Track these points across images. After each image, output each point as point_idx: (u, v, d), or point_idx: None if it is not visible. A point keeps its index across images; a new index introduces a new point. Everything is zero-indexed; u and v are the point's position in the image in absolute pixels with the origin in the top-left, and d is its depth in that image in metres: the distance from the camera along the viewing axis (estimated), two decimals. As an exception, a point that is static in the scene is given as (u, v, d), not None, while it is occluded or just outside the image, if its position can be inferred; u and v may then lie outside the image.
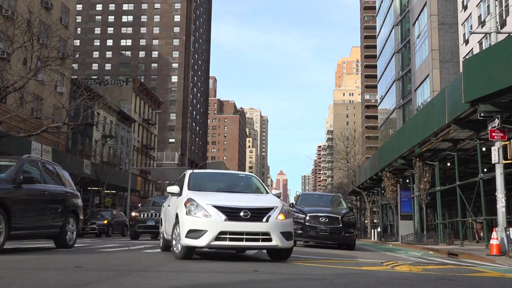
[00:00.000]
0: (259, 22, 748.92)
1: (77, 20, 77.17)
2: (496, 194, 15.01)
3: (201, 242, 7.58)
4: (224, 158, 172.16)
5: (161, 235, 10.49)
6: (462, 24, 38.53)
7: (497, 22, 18.52)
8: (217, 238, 7.57)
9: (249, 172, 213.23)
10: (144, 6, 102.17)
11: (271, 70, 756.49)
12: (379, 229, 36.90)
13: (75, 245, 11.38)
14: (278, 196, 9.26)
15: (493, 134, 14.90)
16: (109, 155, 54.43)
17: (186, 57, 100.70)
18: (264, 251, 9.53)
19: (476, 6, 34.73)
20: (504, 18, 29.96)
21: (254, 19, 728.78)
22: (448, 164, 23.77)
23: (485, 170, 18.78)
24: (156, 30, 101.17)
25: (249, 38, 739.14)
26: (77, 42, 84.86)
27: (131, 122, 63.58)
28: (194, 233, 7.62)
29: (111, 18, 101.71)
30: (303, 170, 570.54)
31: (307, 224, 15.37)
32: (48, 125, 28.42)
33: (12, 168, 9.09)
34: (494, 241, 13.76)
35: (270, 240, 7.86)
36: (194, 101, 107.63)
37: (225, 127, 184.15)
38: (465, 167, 23.62)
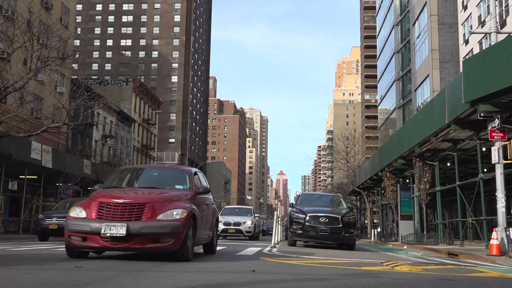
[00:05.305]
0: (290, 25, 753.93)
1: (77, 20, 77.16)
2: (496, 194, 15.00)
3: None
4: (224, 158, 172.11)
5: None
6: (462, 24, 38.53)
7: (497, 22, 18.52)
8: None
9: (249, 172, 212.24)
10: (144, 6, 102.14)
11: (279, 72, 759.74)
12: (379, 229, 36.88)
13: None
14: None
15: (493, 134, 14.89)
16: (109, 155, 54.39)
17: (186, 57, 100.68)
18: None
19: (476, 6, 34.73)
20: (504, 18, 29.96)
21: (284, 21, 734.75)
22: (448, 164, 23.75)
23: (485, 170, 18.76)
24: (156, 30, 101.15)
25: (274, 39, 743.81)
26: (77, 42, 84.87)
27: (131, 122, 63.56)
28: None
29: (111, 18, 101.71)
30: (303, 170, 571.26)
31: (307, 224, 15.36)
32: (48, 125, 28.38)
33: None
34: (494, 241, 13.74)
35: None
36: (194, 101, 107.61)
37: (225, 127, 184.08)
38: (465, 167, 23.60)
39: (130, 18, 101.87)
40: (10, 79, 23.89)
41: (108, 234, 7.19)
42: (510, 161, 15.20)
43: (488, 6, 31.89)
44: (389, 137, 43.63)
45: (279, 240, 18.04)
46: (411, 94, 48.89)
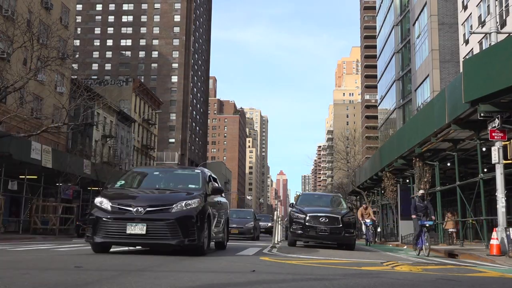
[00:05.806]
0: (290, 25, 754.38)
1: (77, 20, 77.16)
2: (496, 194, 15.00)
3: None
4: (224, 158, 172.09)
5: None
6: (462, 24, 38.53)
7: (497, 22, 18.52)
8: None
9: (249, 172, 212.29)
10: (144, 6, 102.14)
11: (279, 72, 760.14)
12: (379, 229, 36.84)
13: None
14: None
15: (493, 134, 14.88)
16: (109, 155, 54.38)
17: (186, 57, 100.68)
18: None
19: (476, 6, 34.74)
20: (504, 18, 29.96)
21: (285, 22, 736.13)
22: (448, 164, 23.74)
23: (485, 170, 18.75)
24: (156, 30, 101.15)
25: (275, 40, 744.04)
26: (77, 42, 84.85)
27: (131, 122, 63.56)
28: None
29: (111, 18, 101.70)
30: (303, 170, 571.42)
31: (307, 224, 15.36)
32: (48, 125, 28.39)
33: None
34: (494, 241, 13.74)
35: None
36: (194, 101, 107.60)
37: (225, 127, 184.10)
38: (465, 167, 23.59)
39: (130, 18, 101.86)
40: (10, 79, 23.90)
41: None
42: (510, 161, 15.19)
43: (488, 6, 31.89)
44: (389, 137, 43.63)
45: (279, 240, 18.04)
46: (411, 94, 48.90)
